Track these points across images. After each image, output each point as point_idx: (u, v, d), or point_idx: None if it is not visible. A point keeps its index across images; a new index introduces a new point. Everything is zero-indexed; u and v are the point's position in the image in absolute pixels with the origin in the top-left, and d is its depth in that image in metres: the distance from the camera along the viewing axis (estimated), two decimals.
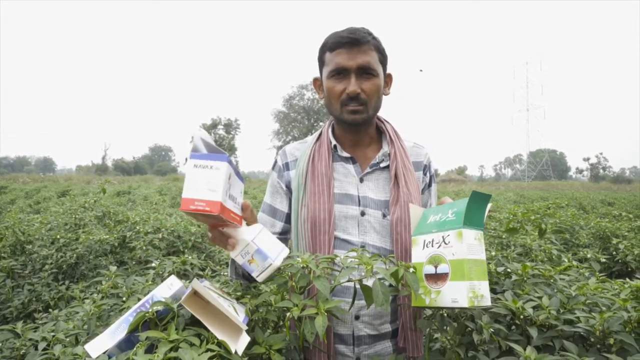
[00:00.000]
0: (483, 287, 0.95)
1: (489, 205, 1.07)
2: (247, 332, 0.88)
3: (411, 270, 0.99)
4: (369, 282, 0.97)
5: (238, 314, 0.89)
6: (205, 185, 0.89)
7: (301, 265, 0.94)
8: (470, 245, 0.96)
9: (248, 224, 1.08)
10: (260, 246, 1.02)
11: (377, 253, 1.25)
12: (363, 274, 0.94)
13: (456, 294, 0.94)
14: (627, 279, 1.27)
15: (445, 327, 1.09)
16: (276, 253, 1.05)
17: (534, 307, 1.11)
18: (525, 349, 0.94)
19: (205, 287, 0.88)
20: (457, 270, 0.95)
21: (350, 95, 1.25)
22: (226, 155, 0.93)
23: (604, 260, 2.78)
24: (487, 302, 0.94)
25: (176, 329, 0.83)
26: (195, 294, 0.88)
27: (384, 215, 1.28)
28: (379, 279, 0.93)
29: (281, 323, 1.01)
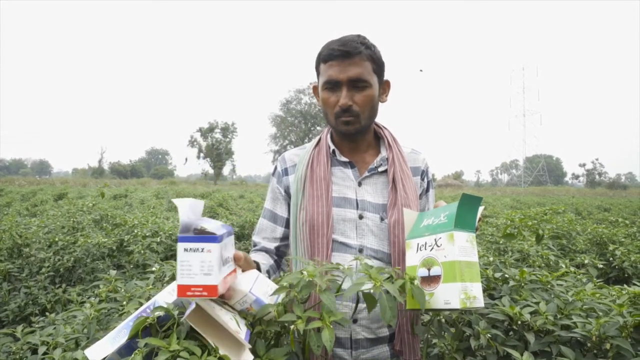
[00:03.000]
0: (475, 289, 0.96)
1: (481, 208, 1.08)
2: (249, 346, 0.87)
3: (416, 282, 0.98)
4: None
5: (240, 327, 0.88)
6: (199, 269, 0.84)
7: (307, 279, 0.91)
8: (462, 247, 0.98)
9: (243, 270, 1.04)
10: (258, 295, 0.98)
11: (374, 256, 1.26)
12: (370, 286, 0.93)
13: (448, 296, 0.95)
14: (625, 285, 1.28)
15: (443, 333, 1.10)
16: (271, 295, 1.01)
17: (531, 313, 1.12)
18: (522, 355, 0.94)
19: (208, 301, 0.87)
20: (449, 272, 0.96)
21: (342, 108, 1.26)
22: (217, 237, 0.86)
23: (600, 266, 2.79)
24: (479, 303, 0.95)
25: (177, 338, 0.82)
26: (197, 307, 0.87)
27: (382, 219, 1.29)
28: (385, 290, 0.90)
29: (281, 332, 1.00)
